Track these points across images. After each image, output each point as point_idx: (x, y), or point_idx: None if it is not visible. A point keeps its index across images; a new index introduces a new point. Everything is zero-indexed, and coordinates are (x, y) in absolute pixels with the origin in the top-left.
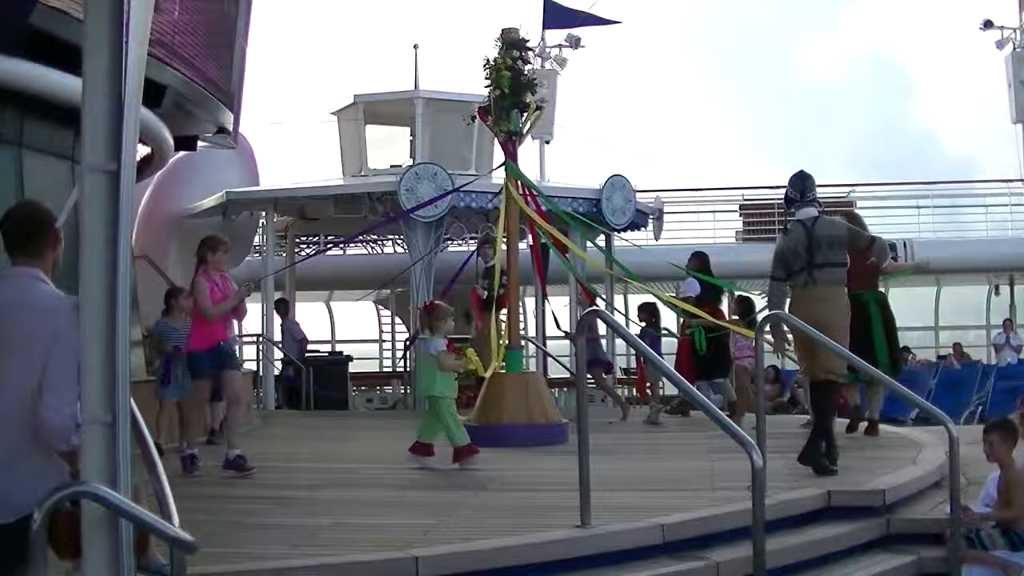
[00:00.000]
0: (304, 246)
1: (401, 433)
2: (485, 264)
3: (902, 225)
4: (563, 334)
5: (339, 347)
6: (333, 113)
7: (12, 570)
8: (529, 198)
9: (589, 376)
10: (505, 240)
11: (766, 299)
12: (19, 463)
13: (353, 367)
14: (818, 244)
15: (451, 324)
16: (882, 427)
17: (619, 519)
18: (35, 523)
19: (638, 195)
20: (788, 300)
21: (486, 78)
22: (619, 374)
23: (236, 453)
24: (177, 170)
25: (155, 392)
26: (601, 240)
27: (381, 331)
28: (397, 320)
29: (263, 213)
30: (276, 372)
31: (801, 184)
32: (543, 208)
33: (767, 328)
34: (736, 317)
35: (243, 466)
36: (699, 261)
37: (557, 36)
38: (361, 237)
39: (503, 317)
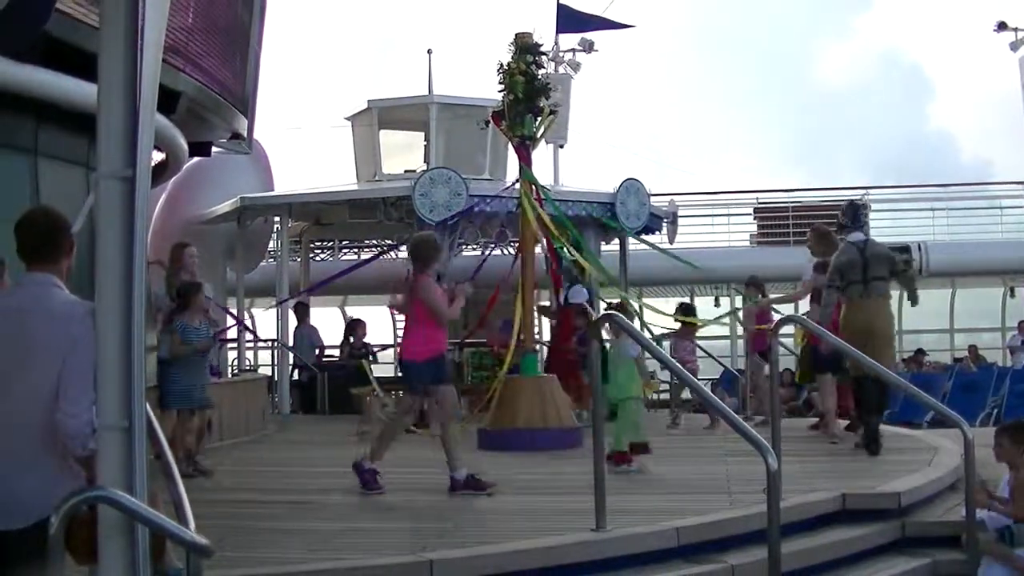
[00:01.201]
0: (318, 251)
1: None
2: None
3: (917, 228)
4: None
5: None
6: (347, 118)
7: (30, 574)
8: (541, 202)
9: None
10: (519, 244)
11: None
12: (36, 468)
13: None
14: (870, 262)
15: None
16: (897, 429)
17: (634, 523)
18: (52, 527)
19: (652, 199)
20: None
21: (500, 83)
22: None
23: (466, 472)
24: (192, 175)
25: (163, 401)
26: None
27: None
28: None
29: (277, 219)
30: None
31: (853, 212)
32: (548, 212)
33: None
34: (679, 323)
35: (480, 484)
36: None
37: (571, 40)
38: (376, 243)
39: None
